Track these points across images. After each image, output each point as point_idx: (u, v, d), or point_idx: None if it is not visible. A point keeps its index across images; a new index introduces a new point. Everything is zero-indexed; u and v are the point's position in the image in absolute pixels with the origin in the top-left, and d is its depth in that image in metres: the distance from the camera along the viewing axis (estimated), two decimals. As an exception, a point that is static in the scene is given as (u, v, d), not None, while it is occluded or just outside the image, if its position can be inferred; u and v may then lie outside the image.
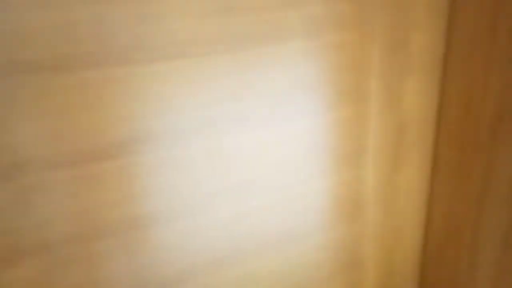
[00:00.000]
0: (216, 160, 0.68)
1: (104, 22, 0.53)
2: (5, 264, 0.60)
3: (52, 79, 0.53)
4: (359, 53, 0.68)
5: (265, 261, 0.79)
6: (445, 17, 0.72)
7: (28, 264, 0.62)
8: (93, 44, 0.54)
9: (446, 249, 0.85)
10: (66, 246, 0.63)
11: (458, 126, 0.75)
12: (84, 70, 0.54)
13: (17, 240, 0.61)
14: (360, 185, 0.79)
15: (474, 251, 0.79)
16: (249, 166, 0.70)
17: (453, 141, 0.78)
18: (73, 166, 0.58)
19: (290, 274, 0.83)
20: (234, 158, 0.69)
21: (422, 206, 0.87)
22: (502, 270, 0.74)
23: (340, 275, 0.87)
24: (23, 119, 0.53)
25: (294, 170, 0.73)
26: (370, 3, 0.65)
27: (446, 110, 0.77)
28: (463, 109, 0.73)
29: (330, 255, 0.84)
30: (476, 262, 0.79)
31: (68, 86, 0.54)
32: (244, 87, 0.64)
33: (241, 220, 0.74)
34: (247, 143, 0.68)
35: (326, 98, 0.70)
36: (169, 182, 0.65)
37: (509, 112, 0.66)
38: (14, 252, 0.61)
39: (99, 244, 0.65)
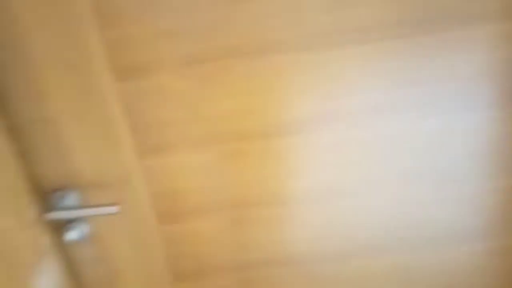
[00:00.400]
0: (388, 145, 0.68)
1: (300, 9, 0.57)
2: (197, 215, 0.76)
3: (249, 63, 0.62)
4: None
5: (422, 256, 0.77)
6: None
7: (214, 219, 0.76)
8: (285, 31, 0.59)
9: None
10: (246, 207, 0.74)
11: None
12: (274, 54, 0.61)
13: (207, 199, 0.74)
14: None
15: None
16: (420, 155, 0.69)
17: None
18: (263, 138, 0.68)
19: (448, 277, 0.79)
20: (406, 144, 0.68)
21: None
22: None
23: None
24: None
25: (468, 166, 0.70)
26: None
27: None
28: None
29: (499, 262, 0.78)
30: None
31: (258, 68, 0.63)
32: (424, 73, 0.62)
33: (404, 209, 0.72)
34: (421, 131, 0.67)
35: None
36: (341, 161, 0.70)
37: None
38: (205, 208, 0.74)
39: (274, 211, 0.74)
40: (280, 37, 0.60)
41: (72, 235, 0.74)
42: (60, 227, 0.76)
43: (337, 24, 0.60)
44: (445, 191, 0.74)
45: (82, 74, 0.63)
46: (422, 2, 0.58)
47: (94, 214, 0.68)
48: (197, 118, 0.68)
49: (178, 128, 0.69)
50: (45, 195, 0.73)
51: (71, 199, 0.73)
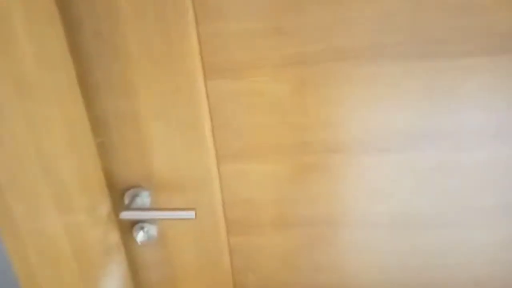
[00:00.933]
0: (497, 172, 0.60)
1: (418, 13, 0.52)
2: (270, 229, 0.71)
3: (353, 68, 0.57)
4: None
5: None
6: None
7: (287, 235, 0.71)
8: (403, 35, 0.54)
9: None
10: (323, 225, 0.68)
11: None
12: (383, 60, 0.56)
13: (283, 213, 0.69)
14: None
15: None
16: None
17: None
18: (351, 154, 0.62)
19: None
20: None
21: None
22: None
23: None
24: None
25: None
26: None
27: None
28: None
29: None
30: None
31: (362, 75, 0.57)
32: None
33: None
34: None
35: None
36: (437, 185, 0.63)
37: None
38: (279, 222, 0.70)
39: (354, 233, 0.68)
40: (393, 41, 0.54)
41: (141, 236, 0.71)
42: (129, 227, 0.74)
43: (463, 31, 0.53)
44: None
45: (173, 69, 0.60)
46: None
47: (170, 217, 0.64)
48: (285, 125, 0.63)
49: (262, 135, 0.64)
50: (118, 193, 0.71)
51: (143, 199, 0.70)
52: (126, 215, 0.65)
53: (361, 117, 0.60)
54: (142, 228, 0.72)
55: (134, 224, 0.73)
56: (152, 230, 0.73)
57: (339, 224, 0.69)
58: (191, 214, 0.64)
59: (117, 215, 0.71)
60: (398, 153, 0.62)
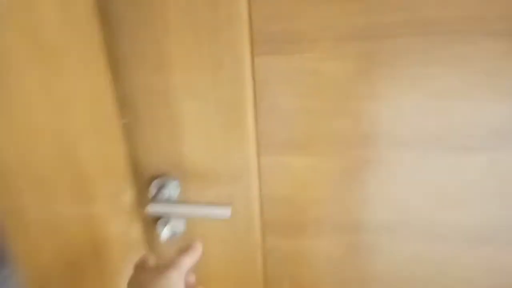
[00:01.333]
0: None
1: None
2: (309, 232, 0.62)
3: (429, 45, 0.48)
4: None
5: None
6: None
7: (328, 240, 0.63)
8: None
9: None
10: (377, 232, 0.60)
11: None
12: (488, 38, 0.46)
13: (335, 214, 0.60)
14: None
15: None
16: None
17: None
18: (421, 149, 0.53)
19: None
20: None
21: None
22: None
23: None
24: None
25: None
26: None
27: None
28: None
29: None
30: None
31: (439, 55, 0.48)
32: None
33: None
34: None
35: None
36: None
37: None
38: (321, 225, 0.61)
39: (400, 241, 0.59)
40: (496, 14, 0.44)
41: (165, 232, 0.63)
42: (152, 221, 0.66)
43: None
44: None
45: (216, 40, 0.51)
46: None
47: (202, 214, 0.56)
48: (343, 112, 0.53)
49: (314, 122, 0.54)
50: (143, 182, 0.63)
51: (170, 190, 0.61)
52: (153, 208, 0.57)
53: (441, 107, 0.50)
54: (166, 223, 0.64)
55: (158, 218, 0.65)
56: (178, 225, 0.65)
57: (396, 233, 0.59)
58: (226, 211, 0.55)
59: (141, 206, 0.63)
60: (481, 153, 0.51)
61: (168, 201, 0.58)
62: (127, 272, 0.59)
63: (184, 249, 0.47)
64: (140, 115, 0.58)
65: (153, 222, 0.66)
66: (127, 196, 0.60)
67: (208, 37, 0.51)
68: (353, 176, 0.57)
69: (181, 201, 0.61)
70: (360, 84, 0.51)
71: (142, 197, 0.63)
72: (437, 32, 0.46)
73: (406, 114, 0.51)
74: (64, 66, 0.45)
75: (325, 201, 0.60)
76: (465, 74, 0.47)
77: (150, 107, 0.57)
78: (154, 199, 0.59)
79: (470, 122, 0.50)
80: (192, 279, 0.49)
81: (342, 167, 0.57)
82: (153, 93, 0.56)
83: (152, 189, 0.62)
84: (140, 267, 0.46)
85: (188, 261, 0.45)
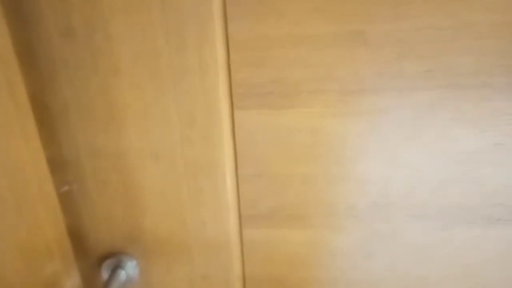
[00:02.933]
0: None
1: None
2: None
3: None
4: None
5: None
6: None
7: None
8: None
9: None
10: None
11: None
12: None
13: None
14: None
15: None
16: None
17: None
18: (435, 223, 0.44)
19: None
20: None
21: None
22: None
23: None
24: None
25: None
26: None
27: None
28: None
29: None
30: None
31: None
32: None
33: None
34: None
35: None
36: None
37: None
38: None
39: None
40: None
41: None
42: (106, 308, 0.52)
43: None
44: None
45: (184, 92, 0.39)
46: None
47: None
48: (340, 177, 0.42)
49: (305, 189, 0.43)
50: (93, 263, 0.49)
51: (129, 271, 0.48)
52: (102, 304, 0.43)
53: (471, 173, 0.40)
54: (125, 310, 0.50)
55: (113, 304, 0.51)
56: (140, 311, 0.51)
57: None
58: (201, 306, 0.43)
59: (89, 294, 0.49)
60: (507, 226, 0.42)
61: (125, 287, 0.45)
62: None
63: None
64: (87, 181, 0.45)
65: (106, 308, 0.52)
66: (69, 284, 0.46)
67: (173, 86, 0.39)
68: (358, 252, 0.46)
69: (142, 285, 0.48)
70: (370, 146, 0.40)
71: (92, 282, 0.49)
72: (470, 85, 0.36)
73: (424, 180, 0.41)
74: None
75: (324, 282, 0.48)
76: (500, 136, 0.38)
77: (99, 172, 0.44)
78: (108, 285, 0.46)
79: (500, 192, 0.41)
80: None
81: (344, 241, 0.46)
82: (101, 155, 0.43)
83: (104, 273, 0.48)
84: None
85: None
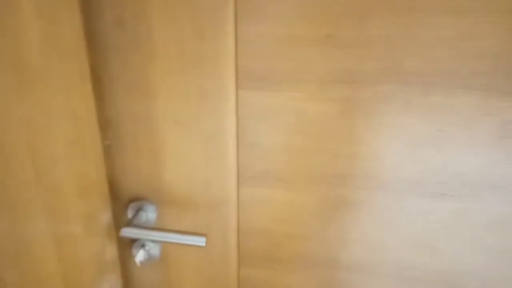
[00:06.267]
0: None
1: None
2: (291, 267, 0.60)
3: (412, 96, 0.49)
4: None
5: None
6: None
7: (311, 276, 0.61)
8: (488, 65, 0.45)
9: None
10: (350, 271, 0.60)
11: None
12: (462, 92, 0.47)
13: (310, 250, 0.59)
14: None
15: None
16: None
17: None
18: (398, 193, 0.55)
19: None
20: None
21: None
22: None
23: None
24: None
25: None
26: None
27: None
28: None
29: None
30: None
31: (423, 104, 0.49)
32: None
33: None
34: None
35: None
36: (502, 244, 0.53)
37: None
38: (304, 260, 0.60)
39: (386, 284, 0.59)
40: (470, 70, 0.45)
41: (141, 255, 0.62)
42: (129, 243, 0.65)
43: None
44: None
45: (202, 71, 0.52)
46: None
47: (176, 241, 0.55)
48: (323, 151, 0.53)
49: (294, 159, 0.55)
50: (121, 204, 0.62)
51: (148, 214, 0.61)
52: (127, 232, 0.56)
53: (419, 154, 0.50)
54: (143, 246, 0.63)
55: (134, 240, 0.65)
56: (154, 249, 0.64)
57: (369, 273, 0.59)
58: (201, 240, 0.55)
59: (117, 228, 0.63)
60: (455, 201, 0.52)
61: (144, 225, 0.58)
62: (97, 296, 0.58)
63: None
64: (123, 139, 0.58)
65: (129, 244, 0.65)
66: (104, 217, 0.60)
67: (193, 68, 0.52)
68: (330, 214, 0.57)
69: (157, 226, 0.61)
70: (341, 126, 0.51)
71: (119, 219, 0.63)
72: (416, 82, 0.46)
73: (383, 158, 0.52)
74: (46, 87, 0.45)
75: (301, 237, 0.60)
76: (440, 124, 0.48)
77: (132, 132, 0.57)
78: (130, 223, 0.59)
79: (442, 170, 0.50)
80: None
81: (320, 204, 0.57)
82: (136, 118, 0.56)
83: (129, 212, 0.61)
84: None
85: None
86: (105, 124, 0.57)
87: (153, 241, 0.60)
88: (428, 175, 0.51)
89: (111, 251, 0.62)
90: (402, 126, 0.49)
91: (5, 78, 0.39)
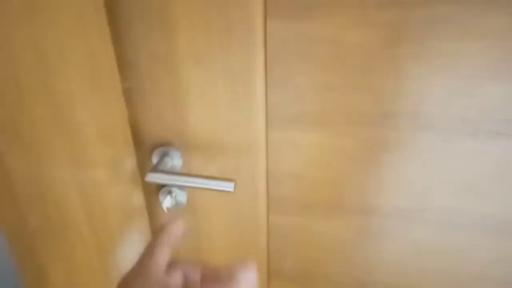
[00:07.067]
0: None
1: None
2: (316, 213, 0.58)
3: None
4: None
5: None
6: None
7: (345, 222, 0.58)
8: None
9: None
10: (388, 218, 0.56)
11: None
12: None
13: (345, 195, 0.56)
14: None
15: None
16: None
17: None
18: (446, 133, 0.48)
19: None
20: None
21: None
22: None
23: None
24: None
25: None
26: None
27: None
28: None
29: None
30: None
31: None
32: None
33: None
34: None
35: None
36: None
37: None
38: (337, 205, 0.57)
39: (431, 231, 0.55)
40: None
41: (167, 201, 0.61)
42: (155, 189, 0.64)
43: None
44: None
45: (225, 0, 0.46)
46: None
47: (203, 187, 0.53)
48: (363, 88, 0.48)
49: (329, 97, 0.50)
50: (145, 149, 0.60)
51: (173, 159, 0.59)
52: (153, 177, 0.54)
53: (471, 88, 0.44)
54: (169, 192, 0.62)
55: (161, 187, 0.63)
56: (181, 195, 0.62)
57: (411, 220, 0.55)
58: (229, 186, 0.52)
59: (142, 174, 0.61)
60: (510, 140, 0.46)
61: (170, 171, 0.56)
62: (127, 242, 0.57)
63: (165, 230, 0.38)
64: (143, 80, 0.54)
65: (155, 191, 0.64)
66: (128, 162, 0.58)
67: (217, -4, 0.46)
68: (369, 157, 0.52)
69: (183, 172, 0.59)
70: (385, 57, 0.45)
71: (144, 165, 0.61)
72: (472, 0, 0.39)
73: (432, 93, 0.46)
74: (58, 22, 0.41)
75: (336, 182, 0.56)
76: (500, 52, 0.41)
77: (153, 72, 0.53)
78: (155, 168, 0.56)
79: (499, 106, 0.44)
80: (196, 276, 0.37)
81: (358, 146, 0.52)
82: (156, 56, 0.52)
83: (154, 158, 0.59)
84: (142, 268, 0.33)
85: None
86: (124, 65, 0.53)
87: (179, 186, 0.58)
88: (483, 112, 0.45)
89: (137, 198, 0.61)
90: (456, 55, 0.43)
91: (13, 6, 0.35)
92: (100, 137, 0.50)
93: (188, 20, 0.48)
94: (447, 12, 0.41)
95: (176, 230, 0.38)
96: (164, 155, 0.59)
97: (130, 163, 0.58)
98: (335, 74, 0.48)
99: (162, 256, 0.34)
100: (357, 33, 0.44)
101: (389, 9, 0.42)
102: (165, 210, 0.60)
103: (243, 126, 0.54)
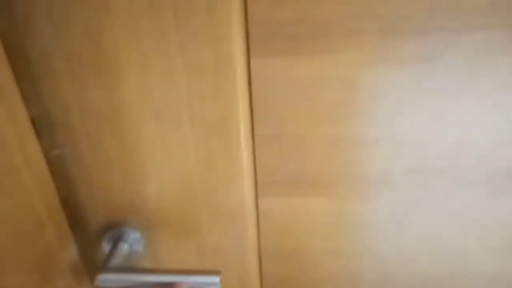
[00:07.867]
0: None
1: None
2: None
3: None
4: None
5: None
6: None
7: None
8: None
9: None
10: None
11: None
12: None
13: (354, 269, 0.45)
14: None
15: None
16: None
17: None
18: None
19: None
20: None
21: None
22: None
23: None
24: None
25: None
26: None
27: None
28: None
29: None
30: None
31: None
32: None
33: None
34: None
35: None
36: None
37: None
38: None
39: None
40: None
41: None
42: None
43: None
44: None
45: (189, 34, 0.32)
46: None
47: (192, 284, 0.38)
48: (375, 139, 0.36)
49: (331, 152, 0.38)
50: (93, 236, 0.44)
51: (132, 245, 0.43)
52: (105, 280, 0.38)
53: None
54: None
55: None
56: None
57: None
58: (213, 282, 0.38)
59: (90, 272, 0.45)
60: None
61: (127, 269, 0.40)
62: None
63: None
64: (78, 144, 0.39)
65: None
66: (66, 258, 0.42)
67: (176, 27, 0.32)
68: (388, 224, 0.41)
69: (147, 270, 0.43)
70: (410, 100, 0.34)
71: (92, 257, 0.45)
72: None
73: (474, 142, 0.35)
74: None
75: (346, 255, 0.44)
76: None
77: (91, 133, 0.38)
78: (107, 262, 0.41)
79: None
80: None
81: (374, 212, 0.40)
82: (94, 114, 0.37)
83: (105, 247, 0.43)
84: None
85: None
86: (47, 128, 0.37)
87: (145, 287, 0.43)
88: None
89: (84, 301, 0.45)
90: (510, 92, 0.32)
91: None
92: (14, 237, 0.34)
93: (138, 61, 0.34)
94: (498, 37, 0.30)
95: None
96: (118, 239, 0.43)
97: (68, 255, 0.42)
98: (342, 124, 0.35)
99: None
100: (377, 71, 0.33)
101: (416, 39, 0.31)
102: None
103: (224, 193, 0.41)
